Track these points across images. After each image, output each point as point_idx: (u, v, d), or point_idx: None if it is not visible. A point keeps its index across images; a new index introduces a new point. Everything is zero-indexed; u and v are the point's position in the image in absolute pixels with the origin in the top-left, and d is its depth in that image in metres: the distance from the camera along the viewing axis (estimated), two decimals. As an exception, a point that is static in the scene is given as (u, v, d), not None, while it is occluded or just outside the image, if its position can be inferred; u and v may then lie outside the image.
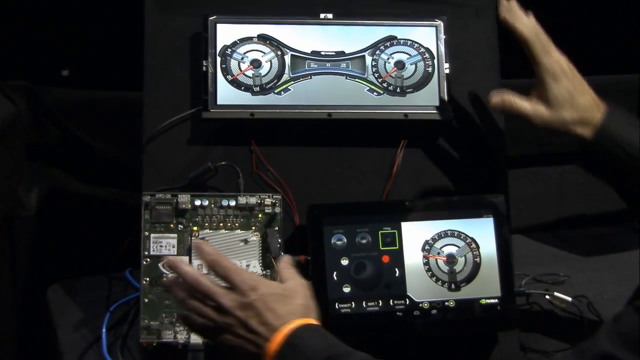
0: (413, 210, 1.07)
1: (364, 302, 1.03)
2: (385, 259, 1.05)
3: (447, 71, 1.14)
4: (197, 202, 1.05)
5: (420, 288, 1.05)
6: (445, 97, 1.13)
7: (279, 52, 1.12)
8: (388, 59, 1.14)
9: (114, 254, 1.10)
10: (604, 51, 1.64)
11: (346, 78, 1.12)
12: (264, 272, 1.04)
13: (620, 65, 1.57)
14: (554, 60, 1.03)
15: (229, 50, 1.11)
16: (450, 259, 1.06)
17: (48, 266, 1.35)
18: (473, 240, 1.07)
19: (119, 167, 1.39)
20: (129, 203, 1.18)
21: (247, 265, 1.04)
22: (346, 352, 0.86)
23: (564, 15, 1.59)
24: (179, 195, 1.05)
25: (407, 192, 1.13)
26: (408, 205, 1.07)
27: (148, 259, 1.03)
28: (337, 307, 1.03)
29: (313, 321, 0.89)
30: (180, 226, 1.05)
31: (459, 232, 1.07)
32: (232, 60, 1.10)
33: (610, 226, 1.66)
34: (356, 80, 1.12)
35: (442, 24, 1.15)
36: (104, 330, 1.08)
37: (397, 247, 1.05)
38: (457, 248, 1.07)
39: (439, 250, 1.06)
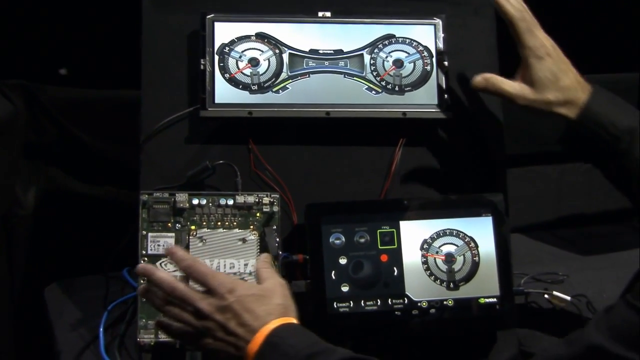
0: (411, 209, 1.07)
1: (362, 302, 1.03)
2: (384, 258, 1.05)
3: (445, 70, 1.14)
4: (195, 201, 1.05)
5: (419, 287, 1.05)
6: (444, 96, 1.13)
7: (277, 51, 1.12)
8: (386, 57, 1.13)
9: (111, 253, 1.10)
10: (604, 50, 1.64)
11: (344, 76, 1.12)
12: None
13: (620, 64, 1.57)
14: (538, 40, 1.03)
15: (227, 48, 1.10)
16: (449, 258, 1.06)
17: (45, 265, 1.35)
18: (472, 239, 1.07)
19: (117, 166, 1.39)
20: (127, 202, 1.18)
21: (245, 264, 1.03)
22: (327, 349, 0.86)
23: (564, 14, 1.59)
24: (177, 194, 1.05)
25: (405, 190, 1.13)
26: (406, 204, 1.07)
27: (146, 258, 1.03)
28: (335, 306, 1.02)
29: (292, 320, 0.89)
30: (178, 225, 1.04)
31: (458, 231, 1.07)
32: (230, 59, 1.10)
33: (609, 225, 1.66)
34: (354, 78, 1.12)
35: (440, 23, 1.15)
36: (101, 329, 1.07)
37: (395, 246, 1.05)
38: (455, 247, 1.07)
39: (438, 249, 1.06)
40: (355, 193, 1.13)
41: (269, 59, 1.11)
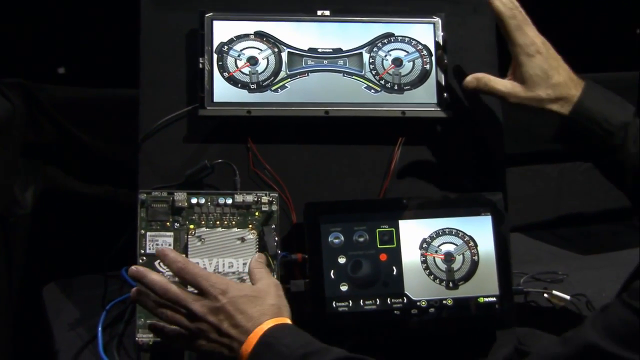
0: (411, 208, 1.07)
1: (361, 301, 1.03)
2: (383, 257, 1.04)
3: (445, 68, 1.14)
4: (194, 200, 1.04)
5: (418, 286, 1.04)
6: (443, 95, 1.13)
7: (276, 49, 1.11)
8: (385, 56, 1.13)
9: (110, 253, 1.09)
10: (604, 49, 1.63)
11: (343, 75, 1.12)
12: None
13: (619, 62, 1.57)
14: (528, 38, 1.03)
15: (226, 47, 1.10)
16: (448, 257, 1.06)
17: (44, 265, 1.35)
18: (471, 238, 1.07)
19: (115, 165, 1.38)
20: (125, 201, 1.17)
21: (244, 264, 1.03)
22: (322, 348, 0.86)
23: (564, 12, 1.59)
24: (176, 193, 1.04)
25: (404, 190, 1.13)
26: (406, 203, 1.07)
27: (144, 258, 1.03)
28: (334, 305, 1.02)
29: (286, 320, 0.89)
30: (177, 224, 1.04)
31: (457, 230, 1.07)
32: (229, 58, 1.10)
33: (609, 224, 1.66)
34: (353, 77, 1.12)
35: (439, 21, 1.15)
36: (99, 329, 1.07)
37: (394, 245, 1.05)
38: (455, 246, 1.06)
39: (437, 248, 1.06)
40: (354, 192, 1.12)
41: (267, 58, 1.11)
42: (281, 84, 1.10)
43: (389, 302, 1.04)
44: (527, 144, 1.56)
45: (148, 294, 0.91)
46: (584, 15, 1.62)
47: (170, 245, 1.03)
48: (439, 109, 1.12)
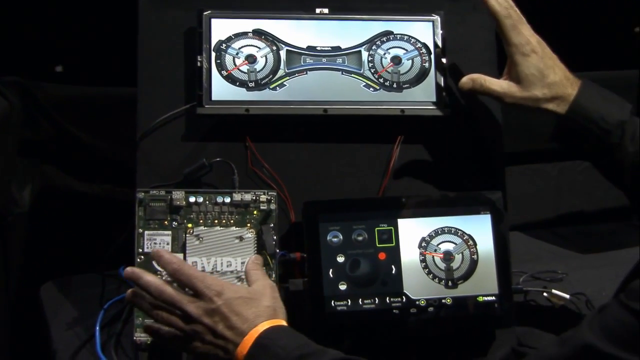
0: (410, 206, 1.06)
1: (360, 300, 1.03)
2: (382, 256, 1.04)
3: (444, 66, 1.13)
4: (192, 199, 1.04)
5: (417, 285, 1.04)
6: (442, 93, 1.12)
7: (274, 47, 1.11)
8: (384, 54, 1.13)
9: (107, 251, 1.09)
10: (603, 47, 1.63)
11: (342, 73, 1.11)
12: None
13: (619, 60, 1.57)
14: (523, 37, 1.03)
15: (224, 45, 1.10)
16: (447, 256, 1.05)
17: (41, 264, 1.35)
18: (470, 237, 1.06)
19: (113, 164, 1.38)
20: (123, 200, 1.17)
21: (243, 263, 1.03)
22: (318, 350, 0.86)
23: (563, 11, 1.59)
24: (174, 192, 1.04)
25: (403, 188, 1.13)
26: (405, 201, 1.07)
27: (142, 257, 1.02)
28: (333, 304, 1.02)
29: (282, 322, 0.90)
30: (175, 223, 1.04)
31: (456, 229, 1.06)
32: (227, 56, 1.10)
33: (609, 223, 1.66)
34: (352, 75, 1.12)
35: (439, 19, 1.14)
36: (97, 328, 1.07)
37: (393, 244, 1.04)
38: (454, 245, 1.06)
39: (436, 247, 1.05)
40: (353, 191, 1.12)
41: (266, 56, 1.11)
42: (280, 82, 1.10)
43: (387, 301, 1.03)
44: (526, 143, 1.56)
45: (143, 295, 0.91)
46: (582, 14, 1.61)
47: (168, 244, 1.03)
48: (438, 108, 1.12)
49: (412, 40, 1.14)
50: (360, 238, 1.04)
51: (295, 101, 1.10)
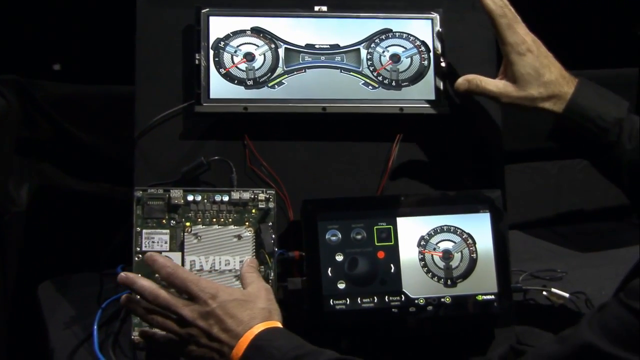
0: (409, 205, 1.06)
1: (359, 299, 1.02)
2: (381, 254, 1.04)
3: (443, 64, 1.13)
4: (190, 198, 1.03)
5: (416, 284, 1.04)
6: (441, 91, 1.12)
7: (273, 45, 1.11)
8: (383, 52, 1.13)
9: (105, 250, 1.09)
10: (603, 45, 1.63)
11: (341, 71, 1.11)
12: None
13: (618, 59, 1.57)
14: (519, 36, 1.03)
15: (222, 43, 1.10)
16: (446, 255, 1.05)
17: (39, 263, 1.35)
18: (469, 235, 1.06)
19: (111, 162, 1.39)
20: (121, 198, 1.17)
21: (241, 261, 1.02)
22: (314, 351, 0.86)
23: (563, 9, 1.58)
24: (172, 191, 1.03)
25: (402, 187, 1.13)
26: (403, 200, 1.06)
27: (140, 255, 1.02)
28: (331, 303, 1.02)
29: (277, 324, 0.89)
30: (173, 222, 1.03)
31: (455, 227, 1.06)
32: (225, 54, 1.09)
33: (608, 221, 1.66)
34: (351, 73, 1.11)
35: (437, 17, 1.14)
36: (95, 327, 1.06)
37: (392, 243, 1.04)
38: (453, 244, 1.06)
39: (435, 245, 1.05)
40: (352, 189, 1.12)
41: (264, 54, 1.10)
42: (278, 80, 1.10)
43: (386, 300, 1.03)
44: (526, 141, 1.56)
45: (138, 300, 0.91)
46: (581, 12, 1.61)
47: (166, 242, 1.02)
48: (437, 106, 1.12)
49: (411, 38, 1.13)
50: (359, 237, 1.04)
51: (294, 99, 1.09)
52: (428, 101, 1.12)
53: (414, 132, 1.13)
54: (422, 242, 1.05)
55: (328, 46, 1.12)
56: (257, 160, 1.09)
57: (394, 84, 1.12)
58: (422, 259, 1.05)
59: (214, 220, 1.04)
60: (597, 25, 1.64)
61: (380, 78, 1.12)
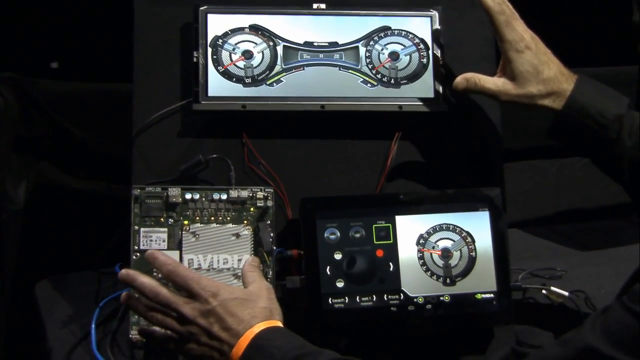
0: (407, 203, 1.06)
1: (357, 297, 1.02)
2: (379, 253, 1.03)
3: (442, 62, 1.13)
4: (188, 196, 1.03)
5: (415, 283, 1.03)
6: (440, 89, 1.12)
7: (271, 43, 1.10)
8: (382, 49, 1.12)
9: (103, 249, 1.09)
10: (603, 43, 1.63)
11: (339, 69, 1.11)
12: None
13: (618, 57, 1.56)
14: (517, 34, 1.02)
15: (220, 41, 1.09)
16: (446, 253, 1.05)
17: (36, 261, 1.35)
18: (468, 234, 1.06)
19: (109, 160, 1.39)
20: (119, 196, 1.17)
21: (239, 260, 1.02)
22: (314, 351, 0.86)
23: (563, 7, 1.58)
24: (170, 189, 1.03)
25: (401, 185, 1.12)
26: (402, 198, 1.06)
27: (138, 254, 1.02)
28: (330, 302, 1.01)
29: (278, 323, 0.89)
30: (171, 220, 1.03)
31: (454, 225, 1.06)
32: (224, 51, 1.09)
33: (608, 220, 1.65)
34: (350, 71, 1.11)
35: (436, 14, 1.14)
36: (93, 326, 1.06)
37: (391, 241, 1.04)
38: (452, 242, 1.05)
39: (434, 244, 1.05)
40: (351, 187, 1.11)
41: (262, 52, 1.10)
42: (276, 78, 1.09)
43: (385, 298, 1.03)
44: (525, 139, 1.56)
45: (139, 297, 0.91)
46: (581, 10, 1.61)
47: (164, 241, 1.02)
48: (436, 104, 1.11)
49: (410, 35, 1.13)
50: (357, 235, 1.04)
51: (292, 97, 1.09)
52: (427, 99, 1.11)
53: (413, 130, 1.13)
54: (421, 241, 1.05)
55: (327, 44, 1.11)
56: (256, 158, 1.09)
57: (392, 81, 1.11)
58: (421, 258, 1.04)
59: (212, 218, 1.04)
60: (597, 22, 1.64)
61: (379, 76, 1.11)
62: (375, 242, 1.04)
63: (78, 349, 1.08)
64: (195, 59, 1.08)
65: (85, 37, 1.38)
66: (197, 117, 1.09)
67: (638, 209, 1.54)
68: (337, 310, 1.01)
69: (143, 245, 1.02)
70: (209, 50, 1.08)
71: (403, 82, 1.12)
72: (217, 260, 1.02)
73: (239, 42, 1.10)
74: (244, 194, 1.04)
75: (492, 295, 1.05)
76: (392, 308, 1.02)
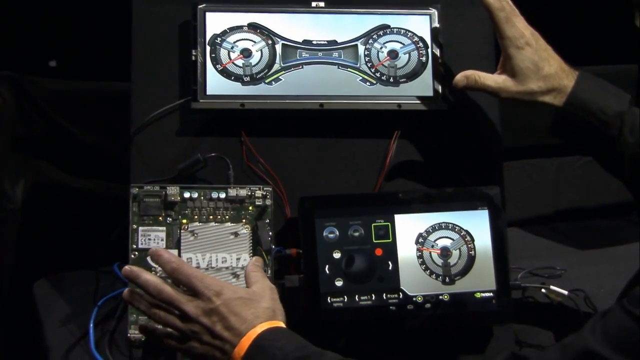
0: (407, 202, 1.05)
1: (356, 296, 1.02)
2: (378, 252, 1.03)
3: (441, 61, 1.12)
4: (187, 195, 1.03)
5: (414, 282, 1.03)
6: (439, 87, 1.12)
7: (270, 41, 1.10)
8: (381, 48, 1.12)
9: (101, 248, 1.08)
10: (602, 41, 1.62)
11: (338, 68, 1.11)
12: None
13: (618, 55, 1.56)
14: (517, 30, 1.02)
15: (219, 39, 1.09)
16: (445, 252, 1.05)
17: (34, 260, 1.34)
18: (468, 232, 1.05)
19: (107, 159, 1.38)
20: (117, 195, 1.16)
21: (238, 259, 1.02)
22: (316, 352, 0.85)
23: (562, 5, 1.58)
24: (168, 187, 1.03)
25: (400, 184, 1.12)
26: (401, 197, 1.06)
27: (136, 253, 1.02)
28: (329, 301, 1.01)
29: (280, 324, 0.89)
30: (169, 219, 1.03)
31: (454, 224, 1.05)
32: (222, 50, 1.09)
33: (607, 219, 1.65)
34: (348, 70, 1.11)
35: (436, 13, 1.14)
36: (91, 325, 1.06)
37: (390, 240, 1.04)
38: (451, 241, 1.05)
39: (433, 243, 1.05)
40: (350, 186, 1.11)
41: (261, 50, 1.10)
42: (275, 76, 1.09)
43: (384, 297, 1.02)
44: (524, 138, 1.56)
45: (141, 294, 0.91)
46: (582, 5, 1.61)
47: (162, 240, 1.02)
48: (435, 102, 1.11)
49: (409, 34, 1.13)
50: (356, 234, 1.03)
51: (291, 96, 1.09)
52: (426, 98, 1.11)
53: (412, 129, 1.13)
54: (420, 240, 1.04)
55: (325, 42, 1.11)
56: (254, 157, 1.09)
57: (391, 80, 1.11)
58: (420, 256, 1.04)
59: (211, 217, 1.03)
60: (597, 21, 1.63)
61: (378, 74, 1.11)
62: (374, 241, 1.03)
63: (76, 348, 1.08)
64: (193, 58, 1.07)
65: (84, 36, 1.38)
66: (196, 116, 1.08)
67: (639, 207, 1.53)
68: (336, 309, 1.01)
69: (141, 244, 1.02)
70: (208, 48, 1.08)
71: (402, 80, 1.11)
72: (216, 259, 1.02)
73: (237, 41, 1.09)
74: (243, 192, 1.04)
75: (491, 294, 1.04)
76: (391, 307, 1.02)
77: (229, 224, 1.03)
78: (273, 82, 1.09)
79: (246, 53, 1.09)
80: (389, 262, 1.03)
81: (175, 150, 1.08)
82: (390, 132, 1.12)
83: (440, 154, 1.14)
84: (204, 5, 1.09)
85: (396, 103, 1.10)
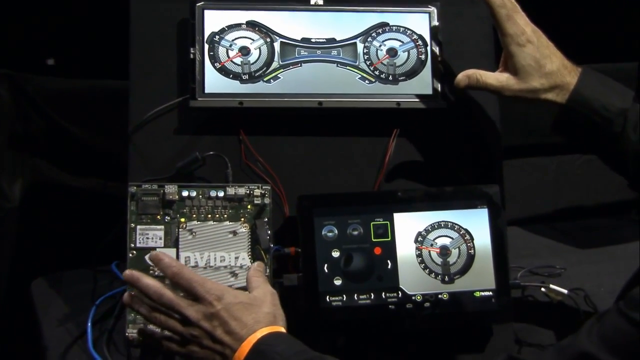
0: (406, 201, 1.05)
1: (355, 295, 1.02)
2: (377, 250, 1.03)
3: (440, 59, 1.12)
4: (185, 193, 1.03)
5: (413, 280, 1.03)
6: (439, 86, 1.11)
7: (268, 39, 1.10)
8: (380, 46, 1.12)
9: (99, 247, 1.08)
10: (603, 39, 1.62)
11: (337, 66, 1.10)
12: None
13: (618, 53, 1.56)
14: (518, 27, 1.01)
15: (217, 37, 1.09)
16: (444, 251, 1.04)
17: (32, 259, 1.34)
18: (467, 231, 1.05)
19: (105, 158, 1.38)
20: (115, 194, 1.17)
21: (236, 257, 1.02)
22: (315, 357, 0.86)
23: (564, 1, 1.58)
24: (166, 186, 1.03)
25: (399, 182, 1.12)
26: (400, 195, 1.05)
27: (134, 252, 1.01)
28: (328, 300, 1.01)
29: (281, 329, 0.89)
30: (168, 217, 1.03)
31: (453, 223, 1.05)
32: (220, 48, 1.08)
33: (607, 218, 1.65)
34: (347, 68, 1.10)
35: (435, 11, 1.13)
36: (89, 324, 1.06)
37: (389, 239, 1.03)
38: (450, 239, 1.05)
39: (432, 241, 1.04)
40: (348, 185, 1.11)
41: (260, 48, 1.09)
42: (274, 74, 1.09)
43: (383, 296, 1.02)
44: (524, 136, 1.55)
45: (141, 298, 0.91)
46: (582, 4, 1.60)
47: (161, 239, 1.02)
48: (434, 100, 1.11)
49: (408, 32, 1.13)
50: (355, 232, 1.03)
51: (290, 94, 1.09)
52: (425, 96, 1.11)
53: (411, 127, 1.12)
54: (419, 238, 1.04)
55: (324, 40, 1.11)
56: (253, 155, 1.08)
57: (390, 78, 1.11)
58: (419, 255, 1.04)
59: (209, 216, 1.03)
60: (597, 19, 1.63)
61: (377, 72, 1.11)
62: (373, 239, 1.03)
63: (74, 347, 1.08)
64: (192, 56, 1.07)
65: (81, 34, 1.38)
66: (194, 114, 1.08)
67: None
68: (335, 308, 1.01)
69: (139, 243, 1.01)
70: (206, 46, 1.08)
71: (401, 78, 1.11)
72: (214, 258, 1.02)
73: (235, 39, 1.09)
74: (241, 191, 1.03)
75: (490, 293, 1.04)
76: (390, 306, 1.02)
77: (227, 222, 1.03)
78: (272, 80, 1.09)
79: (244, 51, 1.09)
80: (388, 261, 1.03)
81: (174, 149, 1.08)
82: (389, 131, 1.12)
83: (440, 152, 1.14)
84: (202, 3, 1.09)
85: (395, 101, 1.10)
